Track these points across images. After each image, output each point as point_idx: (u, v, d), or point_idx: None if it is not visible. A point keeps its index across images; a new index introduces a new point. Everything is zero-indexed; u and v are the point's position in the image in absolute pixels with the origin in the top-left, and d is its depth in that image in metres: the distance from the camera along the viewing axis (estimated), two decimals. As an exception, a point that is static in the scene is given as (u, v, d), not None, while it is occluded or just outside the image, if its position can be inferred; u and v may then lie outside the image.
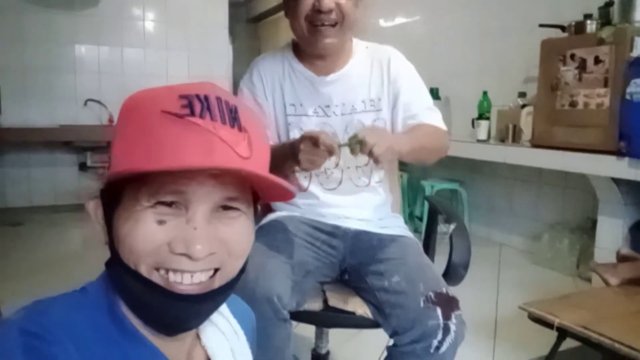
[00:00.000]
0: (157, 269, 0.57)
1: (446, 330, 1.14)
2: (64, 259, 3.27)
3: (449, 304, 1.17)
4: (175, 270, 0.56)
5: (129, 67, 4.84)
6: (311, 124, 1.37)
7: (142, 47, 4.88)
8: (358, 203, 1.41)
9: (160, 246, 0.56)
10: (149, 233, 0.56)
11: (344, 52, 1.40)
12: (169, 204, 0.56)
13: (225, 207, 0.59)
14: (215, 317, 0.70)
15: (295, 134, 1.37)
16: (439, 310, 1.16)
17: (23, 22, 4.43)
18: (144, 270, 0.56)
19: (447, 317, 1.15)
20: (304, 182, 1.41)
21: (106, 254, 0.62)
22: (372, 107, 1.40)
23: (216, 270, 0.59)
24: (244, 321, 0.76)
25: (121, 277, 0.58)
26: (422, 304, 1.17)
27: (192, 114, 0.55)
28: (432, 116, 1.40)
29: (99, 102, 4.70)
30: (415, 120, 1.38)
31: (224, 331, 0.71)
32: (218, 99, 0.57)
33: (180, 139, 0.54)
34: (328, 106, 1.38)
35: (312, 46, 1.33)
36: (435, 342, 1.14)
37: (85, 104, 4.67)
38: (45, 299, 0.56)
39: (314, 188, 1.41)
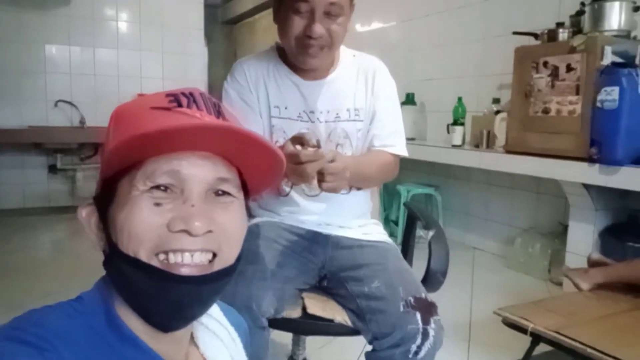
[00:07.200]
0: (157, 254, 0.57)
1: (425, 335, 1.15)
2: (32, 263, 3.19)
3: (428, 309, 1.18)
4: (175, 251, 0.57)
5: (101, 68, 4.74)
6: (295, 129, 1.34)
7: (115, 48, 4.79)
8: (339, 210, 1.41)
9: (159, 228, 0.57)
10: (147, 215, 0.57)
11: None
12: (164, 189, 0.58)
13: (218, 194, 0.61)
14: (212, 324, 0.72)
15: (278, 137, 1.35)
16: (418, 315, 1.16)
17: (-9, 21, 4.31)
18: (143, 256, 0.57)
19: (426, 322, 1.16)
20: (286, 188, 1.40)
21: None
22: (356, 117, 1.40)
23: (214, 256, 0.60)
24: (239, 329, 0.77)
25: (120, 269, 0.58)
26: (401, 309, 1.17)
27: (180, 106, 0.59)
28: (396, 142, 1.43)
29: (70, 103, 4.61)
30: (380, 142, 1.41)
31: (222, 338, 0.72)
32: (202, 94, 0.62)
33: (169, 120, 0.57)
34: (312, 112, 1.38)
35: (298, 62, 1.34)
36: (414, 347, 1.15)
37: (56, 105, 4.57)
38: (40, 309, 0.56)
39: (295, 195, 1.40)
